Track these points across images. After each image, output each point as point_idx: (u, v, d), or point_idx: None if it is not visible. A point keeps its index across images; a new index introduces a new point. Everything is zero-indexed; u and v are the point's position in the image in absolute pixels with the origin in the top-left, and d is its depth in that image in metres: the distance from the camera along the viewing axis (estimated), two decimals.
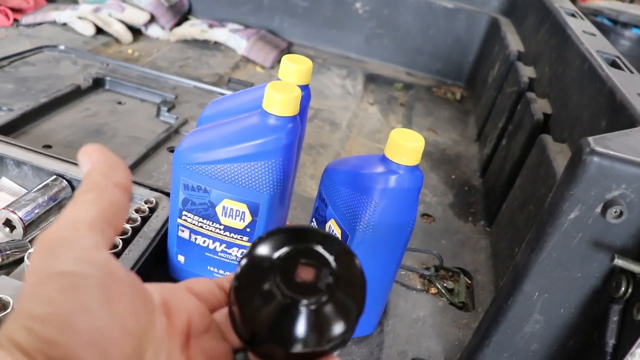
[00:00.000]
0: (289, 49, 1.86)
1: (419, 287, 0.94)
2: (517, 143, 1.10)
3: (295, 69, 0.76)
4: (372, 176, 0.67)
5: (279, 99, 0.66)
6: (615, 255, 0.56)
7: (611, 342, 0.59)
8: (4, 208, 0.83)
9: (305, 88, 0.78)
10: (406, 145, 0.65)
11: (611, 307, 0.59)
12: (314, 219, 0.80)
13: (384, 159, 0.67)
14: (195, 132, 0.74)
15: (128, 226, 0.82)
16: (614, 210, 0.57)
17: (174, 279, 0.83)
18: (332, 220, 0.74)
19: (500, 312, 0.68)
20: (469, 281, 0.98)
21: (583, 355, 0.66)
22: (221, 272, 0.79)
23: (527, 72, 1.26)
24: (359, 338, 0.82)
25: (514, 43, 1.46)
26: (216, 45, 1.77)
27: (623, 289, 0.58)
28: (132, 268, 0.76)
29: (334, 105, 1.54)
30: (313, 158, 1.25)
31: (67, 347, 0.27)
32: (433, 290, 0.94)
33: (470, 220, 1.15)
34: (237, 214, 0.73)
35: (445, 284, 0.95)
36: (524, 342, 0.69)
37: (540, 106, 1.08)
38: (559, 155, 0.88)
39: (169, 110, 1.24)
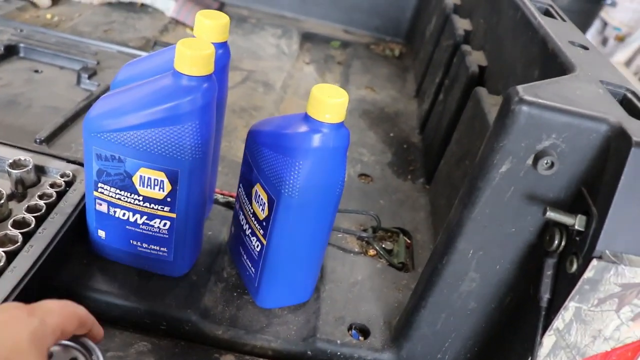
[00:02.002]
0: (220, 10, 1.78)
1: (356, 249, 0.91)
2: (454, 97, 1.07)
3: (210, 24, 0.70)
4: (295, 136, 0.63)
5: (191, 57, 0.61)
6: (548, 208, 0.54)
7: (546, 296, 0.57)
8: None
9: (222, 45, 0.73)
10: (329, 102, 0.61)
11: (545, 261, 0.58)
12: (241, 185, 0.76)
13: (306, 118, 0.63)
14: (106, 97, 0.69)
15: (42, 202, 0.76)
16: (545, 161, 0.55)
17: (96, 256, 0.78)
18: (258, 184, 0.70)
19: (436, 272, 0.66)
20: (409, 241, 0.96)
21: (520, 312, 0.64)
22: (144, 245, 0.74)
23: (462, 24, 1.23)
24: (294, 306, 0.79)
25: None
26: (143, 8, 1.68)
27: (556, 242, 0.56)
28: (48, 246, 0.71)
29: (267, 66, 1.48)
30: (246, 121, 1.20)
31: None
32: (371, 252, 0.91)
33: (409, 178, 1.13)
34: (156, 183, 0.68)
35: (383, 245, 0.93)
36: (461, 301, 0.67)
37: (475, 59, 1.06)
38: (493, 107, 0.86)
39: (90, 77, 1.17)
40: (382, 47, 1.77)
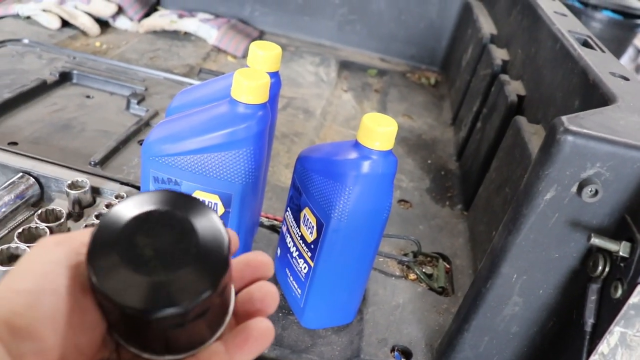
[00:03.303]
0: (260, 38, 1.84)
1: (397, 273, 0.93)
2: (492, 125, 1.09)
3: (263, 55, 0.74)
4: (345, 162, 0.66)
5: (248, 86, 0.64)
6: (592, 235, 0.56)
7: (590, 321, 0.58)
8: None
9: (275, 75, 0.76)
10: (378, 130, 0.64)
11: (589, 286, 0.59)
12: (288, 208, 0.79)
13: (356, 145, 0.66)
14: (164, 123, 0.72)
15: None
16: (590, 189, 0.56)
17: None
18: (307, 208, 0.72)
19: (479, 296, 0.68)
20: (448, 266, 0.97)
21: (563, 336, 0.65)
22: None
23: (500, 54, 1.25)
24: (338, 327, 0.81)
25: (487, 26, 1.45)
26: (186, 36, 1.74)
27: (600, 267, 0.58)
28: None
29: (307, 93, 1.52)
30: (287, 147, 1.23)
31: (29, 320, 0.33)
32: (412, 276, 0.93)
33: (447, 204, 1.15)
34: (210, 206, 0.71)
35: (424, 270, 0.95)
36: (504, 325, 0.68)
37: (514, 88, 1.08)
38: (533, 136, 0.87)
39: (139, 103, 1.22)
40: (418, 75, 1.80)
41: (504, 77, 1.13)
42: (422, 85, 1.75)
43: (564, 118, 0.57)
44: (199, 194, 0.71)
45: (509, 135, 0.96)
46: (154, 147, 0.70)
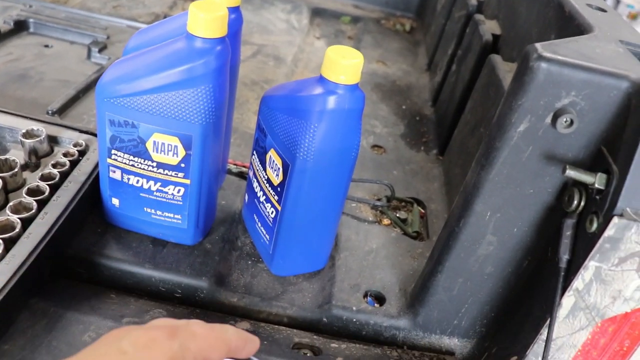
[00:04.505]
0: None
1: (371, 218, 0.91)
2: (467, 67, 1.06)
3: None
4: (309, 98, 0.63)
5: (204, 19, 0.60)
6: (567, 166, 0.53)
7: (565, 257, 0.56)
8: None
9: (235, 10, 0.72)
10: (343, 63, 0.60)
11: (564, 221, 0.57)
12: (254, 152, 0.76)
13: (321, 80, 0.63)
14: (118, 62, 0.68)
15: (56, 171, 0.76)
16: (565, 119, 0.54)
17: (109, 224, 0.78)
18: (272, 150, 0.69)
19: (453, 236, 0.65)
20: (423, 210, 0.95)
21: (537, 275, 0.64)
22: (159, 212, 0.74)
23: None
24: (310, 274, 0.79)
25: None
26: None
27: (576, 202, 0.56)
28: (62, 213, 0.71)
29: (278, 40, 1.47)
30: (257, 94, 1.19)
31: None
32: (386, 221, 0.91)
33: (422, 149, 1.12)
34: (170, 149, 0.68)
35: (398, 215, 0.92)
36: (478, 265, 0.67)
37: (489, 27, 1.04)
38: (508, 74, 0.84)
39: (100, 51, 1.16)
40: (393, 22, 1.75)
41: (479, 16, 1.10)
42: (397, 32, 1.70)
43: (538, 45, 0.54)
44: (157, 137, 0.67)
45: (483, 75, 0.93)
46: (108, 88, 0.66)
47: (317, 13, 1.72)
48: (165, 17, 1.41)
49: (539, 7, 0.86)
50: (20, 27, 1.22)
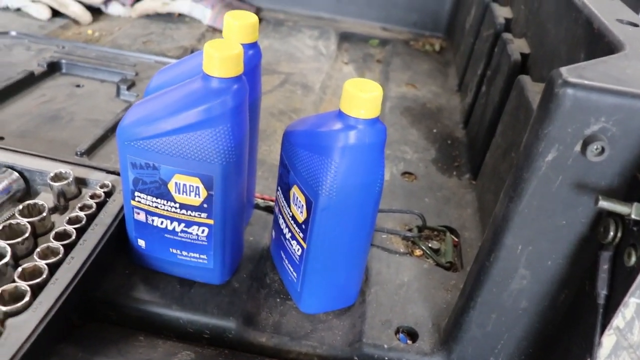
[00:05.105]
0: (257, 15, 1.78)
1: (402, 250, 0.88)
2: (496, 88, 1.03)
3: (239, 25, 0.69)
4: (329, 134, 0.61)
5: (219, 59, 0.60)
6: (600, 197, 0.50)
7: (603, 292, 0.53)
8: None
9: (253, 46, 0.71)
10: (362, 96, 0.58)
11: (600, 254, 0.54)
12: (279, 187, 0.74)
13: (340, 115, 0.61)
14: (138, 104, 0.68)
15: (82, 214, 0.76)
16: (595, 146, 0.51)
17: (137, 266, 0.77)
18: (295, 186, 0.68)
19: (483, 270, 0.63)
20: (456, 239, 0.92)
21: (576, 309, 0.60)
22: (184, 253, 0.73)
23: (502, 12, 1.19)
24: (339, 310, 0.77)
25: None
26: (180, 18, 1.69)
27: (612, 233, 0.53)
28: (89, 257, 0.71)
29: (306, 68, 1.47)
30: (285, 124, 1.18)
31: None
32: (417, 252, 0.88)
33: (454, 174, 1.09)
34: (192, 190, 0.67)
35: (430, 245, 0.90)
36: (512, 300, 0.64)
37: (517, 46, 1.01)
38: (538, 95, 0.81)
39: (128, 89, 1.18)
40: (422, 43, 1.74)
41: (507, 35, 1.07)
42: (427, 53, 1.68)
43: (562, 69, 0.52)
44: (179, 178, 0.66)
45: (513, 97, 0.90)
46: (128, 131, 0.66)
47: (345, 38, 1.72)
48: (192, 50, 1.42)
49: (567, 24, 0.83)
50: (53, 68, 1.25)
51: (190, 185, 0.67)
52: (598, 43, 0.69)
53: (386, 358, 0.71)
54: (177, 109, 0.63)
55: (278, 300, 0.77)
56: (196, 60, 0.75)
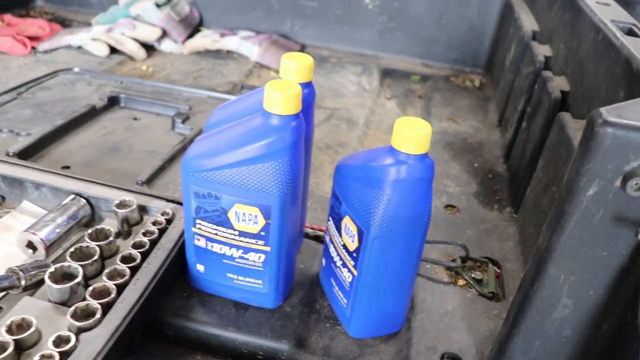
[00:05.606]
0: (302, 51, 1.85)
1: (446, 280, 0.91)
2: (537, 124, 1.06)
3: (295, 66, 0.74)
4: (381, 169, 0.66)
5: (279, 98, 0.65)
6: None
7: None
8: (25, 231, 0.83)
9: (307, 85, 0.77)
10: (412, 134, 0.63)
11: None
12: (330, 218, 0.79)
13: (391, 150, 0.66)
14: (201, 139, 0.74)
15: (146, 239, 0.82)
16: (635, 182, 0.54)
17: (195, 289, 0.82)
18: (347, 217, 0.72)
19: (527, 299, 0.66)
20: (498, 270, 0.95)
21: (619, 339, 0.63)
22: (241, 278, 0.78)
23: (542, 50, 1.22)
24: (386, 336, 0.80)
25: (528, 23, 1.42)
26: (229, 54, 1.77)
27: None
28: (152, 279, 0.76)
29: (349, 103, 1.52)
30: (331, 157, 1.23)
31: None
32: (461, 282, 0.92)
33: (495, 208, 1.12)
34: (250, 218, 0.72)
35: (473, 275, 0.93)
36: (555, 329, 0.66)
37: (557, 84, 1.05)
38: (578, 132, 0.85)
39: (183, 122, 1.24)
40: (462, 79, 1.78)
41: (547, 73, 1.11)
42: (467, 89, 1.73)
43: (602, 109, 0.55)
44: (239, 207, 0.71)
45: (553, 133, 0.94)
46: (193, 163, 0.71)
47: (387, 74, 1.77)
48: (242, 86, 1.49)
49: (606, 63, 0.86)
50: (112, 102, 1.33)
51: (249, 214, 0.72)
52: (638, 83, 0.73)
53: None
54: (240, 143, 0.68)
55: (327, 325, 0.81)
56: (251, 98, 0.81)
